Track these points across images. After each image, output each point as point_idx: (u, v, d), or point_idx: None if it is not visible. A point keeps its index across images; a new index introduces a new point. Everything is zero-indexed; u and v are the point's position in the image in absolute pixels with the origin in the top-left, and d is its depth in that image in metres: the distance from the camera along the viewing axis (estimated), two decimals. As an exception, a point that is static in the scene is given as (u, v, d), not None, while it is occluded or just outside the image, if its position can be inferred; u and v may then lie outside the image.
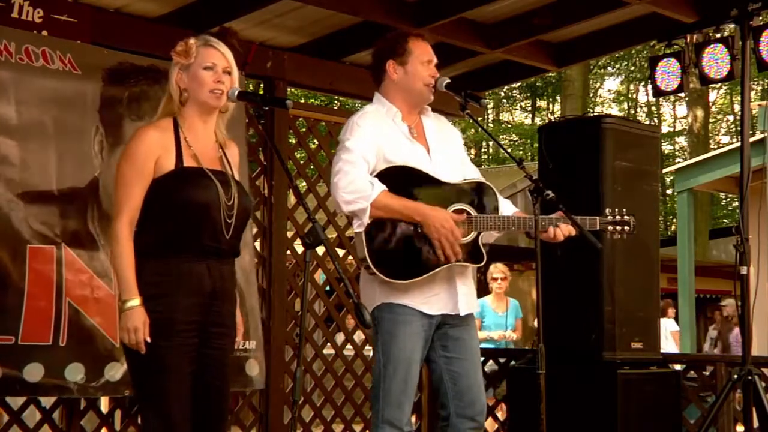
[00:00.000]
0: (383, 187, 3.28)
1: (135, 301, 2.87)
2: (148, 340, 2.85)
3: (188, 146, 3.01)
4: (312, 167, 5.77)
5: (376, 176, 3.32)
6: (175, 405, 2.89)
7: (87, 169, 4.41)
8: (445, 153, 3.55)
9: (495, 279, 7.90)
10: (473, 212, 3.41)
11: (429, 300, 3.37)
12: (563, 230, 3.43)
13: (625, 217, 3.57)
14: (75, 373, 4.23)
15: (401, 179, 3.35)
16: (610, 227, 3.55)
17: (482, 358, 6.12)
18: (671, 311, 11.46)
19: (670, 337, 11.18)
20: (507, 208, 3.56)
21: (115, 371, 4.36)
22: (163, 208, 2.96)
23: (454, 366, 3.44)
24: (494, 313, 7.82)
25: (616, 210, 3.57)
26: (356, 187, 3.26)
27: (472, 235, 3.39)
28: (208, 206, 2.97)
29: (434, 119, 3.64)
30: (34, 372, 4.11)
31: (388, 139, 3.42)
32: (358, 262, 3.34)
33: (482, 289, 11.31)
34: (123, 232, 2.92)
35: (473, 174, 3.59)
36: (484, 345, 7.59)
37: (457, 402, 3.43)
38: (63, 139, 4.34)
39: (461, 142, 3.72)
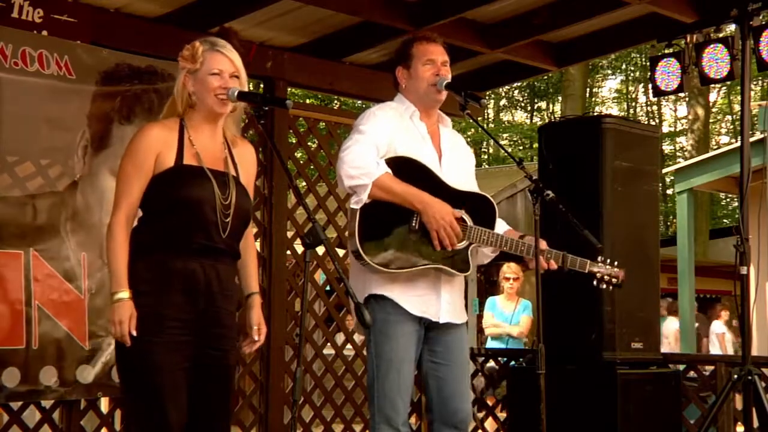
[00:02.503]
0: (388, 169, 3.27)
1: (123, 294, 2.87)
2: (134, 333, 2.84)
3: (191, 145, 3.01)
4: (312, 167, 5.76)
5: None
6: (167, 400, 2.86)
7: (67, 172, 4.41)
8: (456, 165, 3.55)
9: (507, 279, 7.83)
10: (470, 222, 3.40)
11: (410, 300, 3.35)
12: (550, 264, 3.43)
13: (615, 269, 3.55)
14: (49, 376, 4.25)
15: (406, 170, 3.33)
16: (598, 274, 3.53)
17: (482, 358, 6.24)
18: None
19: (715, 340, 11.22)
20: (501, 227, 3.57)
21: (87, 374, 4.38)
22: (159, 204, 2.96)
23: (440, 372, 3.44)
24: (502, 312, 7.81)
25: (608, 260, 3.55)
26: (361, 163, 3.25)
27: (464, 243, 3.38)
28: (201, 203, 2.95)
29: (452, 134, 3.65)
30: (11, 377, 4.13)
31: (403, 134, 3.43)
32: (346, 241, 3.31)
33: (485, 291, 11.35)
34: (118, 227, 2.92)
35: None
36: (494, 343, 7.63)
37: (440, 408, 3.43)
38: (47, 144, 4.33)
39: (473, 163, 3.72)
